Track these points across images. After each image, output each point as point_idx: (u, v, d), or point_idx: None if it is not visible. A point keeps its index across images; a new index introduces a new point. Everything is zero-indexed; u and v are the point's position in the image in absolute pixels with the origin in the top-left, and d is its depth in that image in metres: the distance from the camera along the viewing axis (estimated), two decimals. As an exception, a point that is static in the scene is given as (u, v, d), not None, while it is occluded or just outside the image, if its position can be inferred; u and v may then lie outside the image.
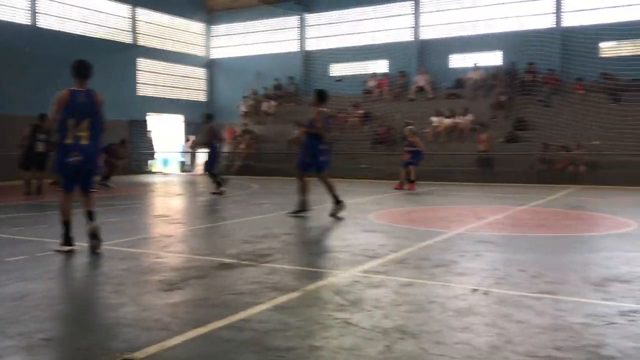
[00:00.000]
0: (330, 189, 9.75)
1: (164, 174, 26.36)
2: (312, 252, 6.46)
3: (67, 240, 6.42)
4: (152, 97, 27.44)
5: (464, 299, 4.39)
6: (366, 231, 8.08)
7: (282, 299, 4.41)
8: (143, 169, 26.13)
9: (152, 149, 27.02)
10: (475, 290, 4.68)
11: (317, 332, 3.62)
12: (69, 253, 6.29)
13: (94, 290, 4.68)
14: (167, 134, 28.54)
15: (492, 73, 23.15)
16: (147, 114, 27.01)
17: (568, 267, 5.68)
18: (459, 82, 23.97)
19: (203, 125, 16.09)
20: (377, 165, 21.32)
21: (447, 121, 21.90)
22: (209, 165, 14.71)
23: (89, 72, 6.57)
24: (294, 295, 4.52)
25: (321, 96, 9.86)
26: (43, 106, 17.24)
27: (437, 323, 3.79)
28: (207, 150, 14.93)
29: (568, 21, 22.67)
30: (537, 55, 22.12)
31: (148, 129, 26.83)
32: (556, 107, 20.56)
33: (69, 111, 6.31)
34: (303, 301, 4.34)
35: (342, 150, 22.89)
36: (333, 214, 9.56)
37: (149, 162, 26.94)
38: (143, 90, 27.09)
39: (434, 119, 22.18)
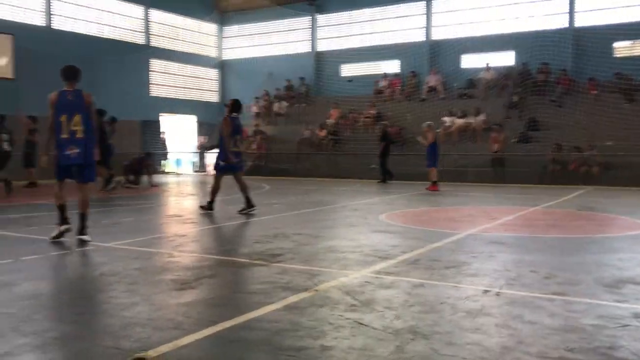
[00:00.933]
0: (244, 190, 10.34)
1: (177, 174, 26.50)
2: (323, 252, 6.47)
3: (63, 220, 7.11)
4: (164, 97, 27.62)
5: (475, 300, 4.38)
6: (377, 232, 8.07)
7: (294, 298, 4.43)
8: (156, 169, 26.29)
9: (165, 149, 27.20)
10: (486, 291, 4.67)
11: (328, 332, 3.63)
12: (67, 232, 7.05)
13: (107, 289, 4.72)
14: (179, 135, 28.70)
15: (505, 73, 23.04)
16: (160, 114, 27.18)
17: (581, 268, 5.64)
18: (471, 82, 23.87)
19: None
20: (388, 166, 21.27)
21: (460, 121, 21.82)
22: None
23: (76, 75, 7.17)
24: (305, 295, 4.53)
25: (235, 105, 10.53)
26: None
27: (448, 324, 3.79)
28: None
29: (581, 21, 22.50)
30: (550, 55, 21.96)
31: (161, 130, 27.01)
32: (569, 107, 20.41)
33: (59, 109, 6.95)
34: (314, 301, 4.36)
35: (353, 151, 22.90)
36: (241, 211, 10.15)
37: (162, 162, 27.11)
38: (156, 91, 27.27)
39: (446, 119, 22.11)
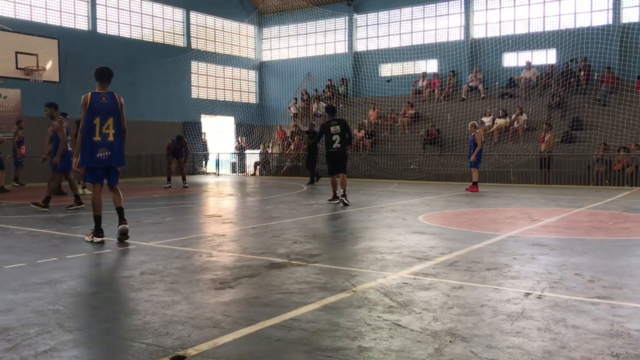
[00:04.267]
0: (73, 188, 11.59)
1: (217, 174, 26.85)
2: (361, 253, 6.46)
3: (99, 231, 7.17)
4: (204, 99, 28.02)
5: (516, 303, 4.30)
6: (416, 233, 8.01)
7: (331, 299, 4.43)
8: (197, 170, 26.70)
9: (206, 150, 27.60)
10: (528, 294, 4.58)
11: (366, 333, 3.61)
12: (101, 244, 7.02)
13: (148, 287, 4.81)
14: (219, 136, 29.11)
15: (547, 72, 22.59)
16: (201, 115, 27.61)
17: (626, 272, 5.48)
18: (512, 81, 23.48)
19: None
20: (427, 166, 21.12)
21: (501, 121, 21.49)
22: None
23: (110, 77, 7.26)
24: (343, 295, 4.53)
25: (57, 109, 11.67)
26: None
27: (488, 327, 3.73)
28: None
29: (628, 17, 21.87)
30: (594, 52, 21.44)
31: (202, 131, 27.44)
32: (614, 106, 19.87)
33: (93, 111, 6.96)
34: (352, 302, 4.35)
35: (391, 151, 22.79)
36: (36, 204, 10.91)
37: (203, 162, 27.54)
38: (196, 93, 27.69)
39: (485, 119, 21.81)
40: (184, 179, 17.85)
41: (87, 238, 7.26)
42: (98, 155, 6.99)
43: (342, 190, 12.04)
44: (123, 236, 7.18)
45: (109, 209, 7.73)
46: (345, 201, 11.81)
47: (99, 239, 7.13)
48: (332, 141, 12.05)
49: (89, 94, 7.04)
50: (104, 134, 7.00)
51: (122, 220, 7.23)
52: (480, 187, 16.17)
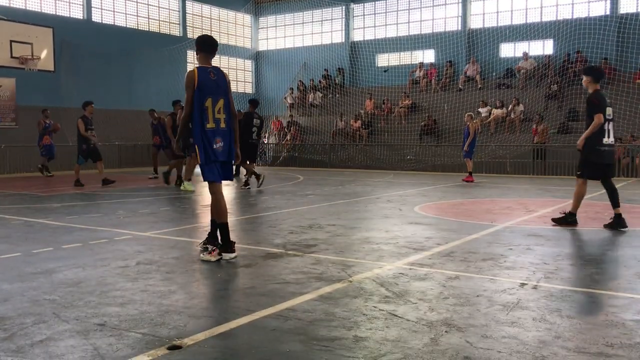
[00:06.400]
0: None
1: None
2: (357, 243, 6.46)
3: (228, 244, 5.59)
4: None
5: (512, 293, 4.31)
6: (412, 223, 8.02)
7: (328, 289, 4.44)
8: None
9: None
10: (524, 284, 4.59)
11: (362, 323, 3.62)
12: (234, 260, 5.55)
13: (145, 277, 4.81)
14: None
15: (544, 62, 22.56)
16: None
17: (622, 262, 5.51)
18: (510, 71, 23.46)
19: None
20: (424, 157, 21.13)
21: (497, 112, 21.49)
22: None
23: (214, 47, 5.80)
24: (339, 285, 4.54)
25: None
26: (97, 98, 17.81)
27: (483, 317, 3.74)
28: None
29: (625, 7, 21.83)
30: (591, 43, 21.41)
31: None
32: (610, 97, 19.85)
33: (204, 90, 5.51)
34: (348, 292, 4.36)
35: (388, 142, 22.78)
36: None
37: None
38: (192, 82, 27.57)
39: (482, 109, 21.81)
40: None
41: (207, 256, 5.55)
42: (215, 146, 5.54)
43: (248, 175, 13.74)
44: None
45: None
46: (249, 183, 13.57)
47: (231, 255, 5.55)
48: (251, 132, 13.29)
49: (195, 69, 5.57)
50: (217, 119, 5.55)
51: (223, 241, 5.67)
52: (477, 177, 16.19)
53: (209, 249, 5.61)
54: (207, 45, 5.73)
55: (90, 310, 3.89)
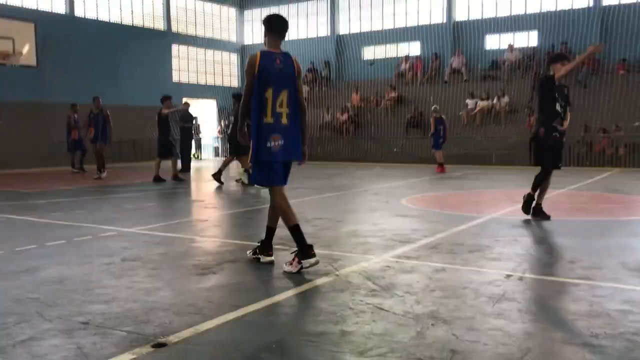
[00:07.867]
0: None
1: (199, 158, 26.66)
2: (344, 236, 6.46)
3: (307, 248, 4.84)
4: (186, 83, 27.73)
5: (498, 285, 4.33)
6: (398, 216, 8.03)
7: (314, 283, 4.42)
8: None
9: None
10: (509, 275, 4.61)
11: (348, 317, 3.62)
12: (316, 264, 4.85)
13: (129, 274, 4.77)
14: (201, 120, 28.85)
15: (529, 54, 22.67)
16: (183, 99, 27.31)
17: (606, 252, 5.54)
18: (495, 63, 23.54)
19: None
20: (411, 149, 21.18)
21: (483, 104, 21.57)
22: None
23: (285, 28, 4.94)
24: (325, 280, 4.52)
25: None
26: (81, 93, 17.64)
27: (470, 309, 3.75)
28: None
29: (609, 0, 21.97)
30: (575, 35, 21.53)
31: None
32: (594, 87, 20.02)
33: (266, 79, 4.76)
34: (335, 286, 4.35)
35: (374, 135, 22.80)
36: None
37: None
38: (177, 76, 27.39)
39: (469, 101, 21.87)
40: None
41: (289, 267, 4.80)
42: (269, 144, 4.81)
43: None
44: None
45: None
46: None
47: (311, 261, 4.79)
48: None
49: (258, 53, 4.81)
50: (277, 113, 4.82)
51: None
52: (462, 169, 16.26)
53: (291, 259, 4.85)
54: (275, 26, 4.92)
55: (74, 309, 3.85)
